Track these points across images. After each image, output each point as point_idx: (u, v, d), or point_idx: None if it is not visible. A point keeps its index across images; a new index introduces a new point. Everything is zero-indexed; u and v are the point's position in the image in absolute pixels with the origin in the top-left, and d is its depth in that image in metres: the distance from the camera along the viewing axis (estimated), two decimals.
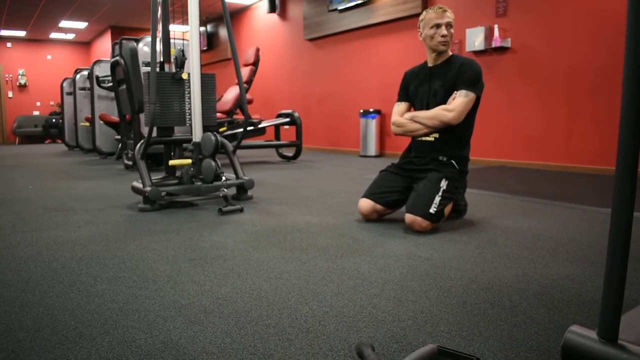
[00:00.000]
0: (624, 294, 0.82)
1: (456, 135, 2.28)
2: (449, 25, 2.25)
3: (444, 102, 2.25)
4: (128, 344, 1.07)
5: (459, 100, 2.19)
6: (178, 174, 3.02)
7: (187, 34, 2.91)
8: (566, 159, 4.43)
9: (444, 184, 2.16)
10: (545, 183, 3.65)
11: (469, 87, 2.20)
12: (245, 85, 5.13)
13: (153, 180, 2.78)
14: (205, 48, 9.95)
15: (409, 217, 2.11)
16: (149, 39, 4.83)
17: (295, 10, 7.75)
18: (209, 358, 1.01)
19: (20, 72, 11.95)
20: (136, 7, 9.10)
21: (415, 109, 2.39)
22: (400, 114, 2.39)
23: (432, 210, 2.08)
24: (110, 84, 5.61)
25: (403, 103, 2.42)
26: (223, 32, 9.65)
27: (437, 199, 2.11)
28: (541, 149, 4.62)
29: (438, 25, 2.24)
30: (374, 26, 6.31)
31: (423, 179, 2.22)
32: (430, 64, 2.35)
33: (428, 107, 2.31)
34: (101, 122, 6.02)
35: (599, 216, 2.41)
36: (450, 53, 2.33)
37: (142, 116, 4.54)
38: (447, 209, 2.19)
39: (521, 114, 4.75)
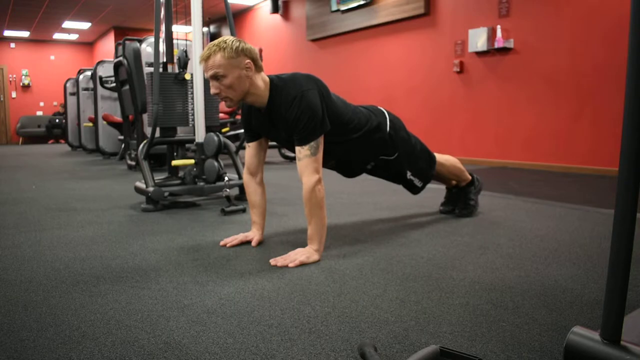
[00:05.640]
0: (626, 295, 0.81)
1: (354, 144, 1.96)
2: (216, 78, 1.66)
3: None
4: (131, 343, 1.07)
5: (302, 164, 1.72)
6: (181, 174, 3.02)
7: (190, 35, 2.92)
8: (569, 160, 4.42)
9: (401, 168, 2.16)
10: (548, 184, 3.64)
11: (306, 142, 1.71)
12: None
13: (156, 181, 2.79)
14: None
15: None
16: (152, 39, 4.84)
17: (298, 11, 7.75)
18: (212, 358, 1.01)
19: (24, 72, 11.99)
20: (139, 8, 9.12)
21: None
22: (252, 157, 1.93)
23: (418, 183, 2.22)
24: (114, 84, 5.64)
25: (252, 144, 1.92)
26: (226, 32, 9.66)
27: (409, 176, 2.19)
28: (543, 150, 4.61)
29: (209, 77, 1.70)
30: (377, 27, 6.30)
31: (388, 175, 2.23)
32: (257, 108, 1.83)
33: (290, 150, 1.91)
34: (104, 122, 6.04)
35: (601, 217, 2.40)
36: (267, 80, 1.75)
37: (145, 116, 4.56)
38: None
39: (523, 114, 4.74)
